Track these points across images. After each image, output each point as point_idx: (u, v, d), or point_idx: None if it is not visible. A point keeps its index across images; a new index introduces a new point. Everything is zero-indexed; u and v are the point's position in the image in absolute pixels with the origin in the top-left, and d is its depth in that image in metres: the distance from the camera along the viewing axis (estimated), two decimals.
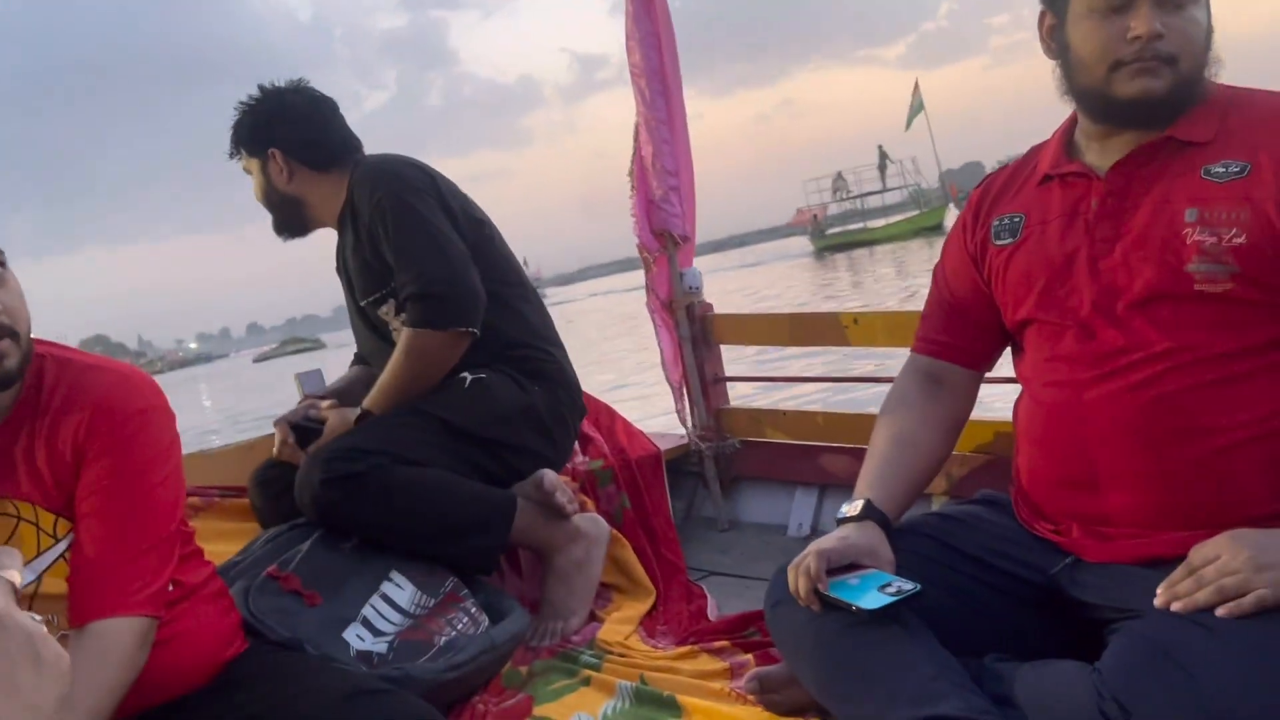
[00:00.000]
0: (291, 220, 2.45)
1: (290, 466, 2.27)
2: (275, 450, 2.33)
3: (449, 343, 2.24)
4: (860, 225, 46.08)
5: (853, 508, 1.60)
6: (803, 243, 51.62)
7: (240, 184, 2.48)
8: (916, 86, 38.33)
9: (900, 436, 1.69)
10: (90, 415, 1.40)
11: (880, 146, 43.04)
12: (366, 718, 1.43)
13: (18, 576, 0.65)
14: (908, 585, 1.43)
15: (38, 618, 0.64)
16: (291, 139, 2.34)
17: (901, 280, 19.69)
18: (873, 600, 1.41)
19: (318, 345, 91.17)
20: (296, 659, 1.67)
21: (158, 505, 1.43)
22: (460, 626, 2.05)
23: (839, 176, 44.94)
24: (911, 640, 1.41)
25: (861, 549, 1.52)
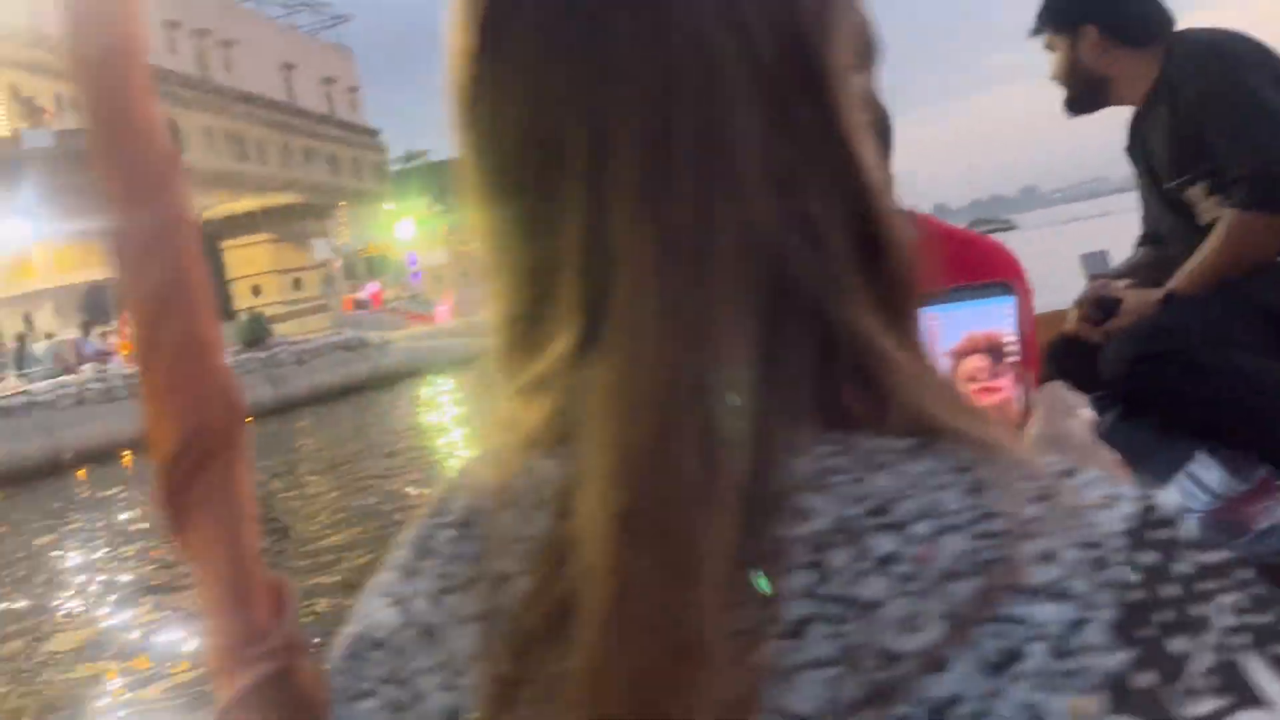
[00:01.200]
0: (1091, 98, 2.46)
1: (1082, 342, 2.36)
2: (1070, 325, 2.43)
3: (1277, 227, 2.14)
4: None
5: None
6: None
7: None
8: None
9: None
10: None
11: None
12: None
13: (1093, 416, 0.78)
14: None
15: (1114, 454, 0.75)
16: (1112, 14, 2.35)
17: None
18: None
19: (1007, 226, 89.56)
20: None
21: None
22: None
23: None
24: None
25: None
